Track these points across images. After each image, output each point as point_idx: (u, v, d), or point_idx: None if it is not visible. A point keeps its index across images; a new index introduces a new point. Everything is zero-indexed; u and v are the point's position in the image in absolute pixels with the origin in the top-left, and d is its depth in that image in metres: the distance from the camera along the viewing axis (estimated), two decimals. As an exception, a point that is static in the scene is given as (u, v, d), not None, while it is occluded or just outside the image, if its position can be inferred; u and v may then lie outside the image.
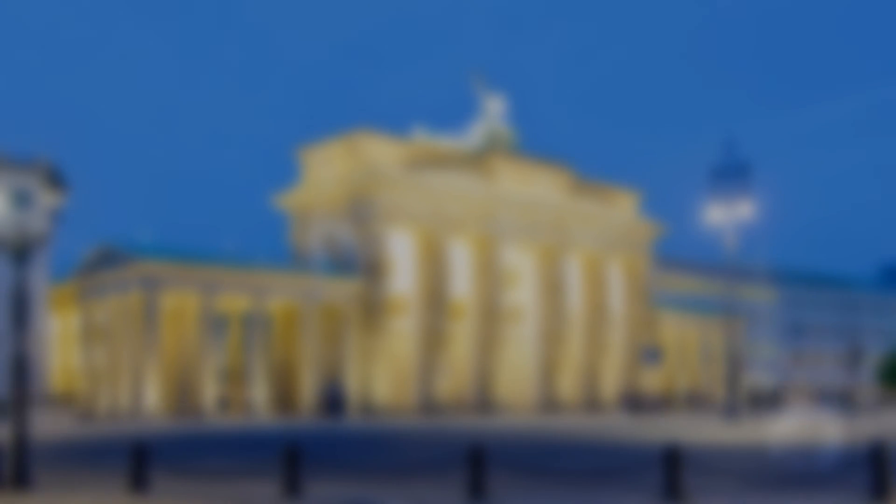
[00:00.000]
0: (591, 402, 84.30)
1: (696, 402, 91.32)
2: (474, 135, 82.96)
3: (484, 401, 76.60)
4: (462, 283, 78.34)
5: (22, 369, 19.40)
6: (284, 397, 71.57)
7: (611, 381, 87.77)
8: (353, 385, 70.84)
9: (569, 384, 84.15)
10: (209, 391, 66.25)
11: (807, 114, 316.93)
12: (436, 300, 75.28)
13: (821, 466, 21.08)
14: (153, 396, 63.35)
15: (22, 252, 19.47)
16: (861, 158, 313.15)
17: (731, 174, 50.09)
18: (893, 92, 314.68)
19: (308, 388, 70.10)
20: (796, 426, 39.59)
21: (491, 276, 78.69)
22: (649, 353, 73.51)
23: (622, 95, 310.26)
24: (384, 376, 71.76)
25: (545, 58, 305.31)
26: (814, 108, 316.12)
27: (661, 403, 79.74)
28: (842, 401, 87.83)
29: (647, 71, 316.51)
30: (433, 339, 75.01)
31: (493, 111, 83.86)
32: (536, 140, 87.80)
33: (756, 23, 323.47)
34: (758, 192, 51.23)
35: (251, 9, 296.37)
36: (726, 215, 49.89)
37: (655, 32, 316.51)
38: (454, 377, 77.17)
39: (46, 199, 20.41)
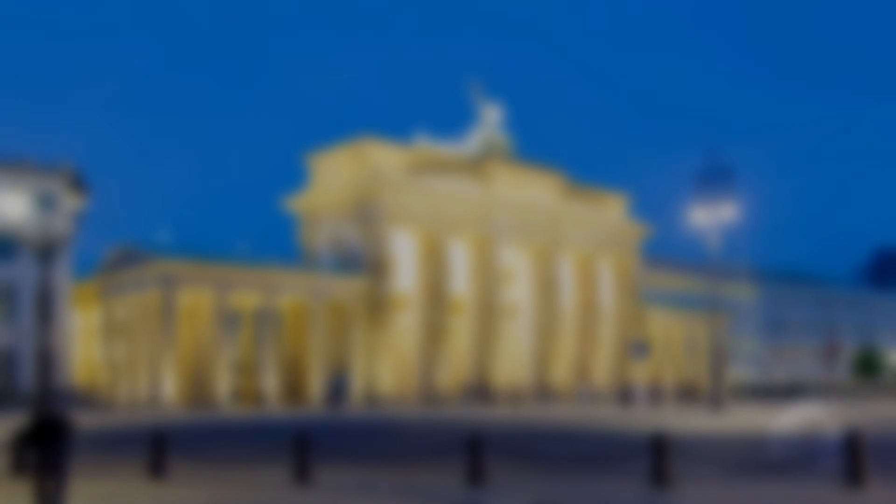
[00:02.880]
0: (583, 394, 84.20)
1: (684, 393, 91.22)
2: (473, 141, 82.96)
3: (482, 392, 76.57)
4: (461, 281, 78.33)
5: (46, 363, 19.41)
6: (294, 389, 71.55)
7: (601, 374, 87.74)
8: (358, 377, 70.83)
9: (562, 376, 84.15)
10: (223, 383, 66.23)
11: (789, 126, 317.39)
12: (436, 297, 75.26)
13: (821, 455, 20.95)
14: (170, 388, 63.31)
15: (46, 252, 19.48)
16: (838, 169, 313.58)
17: (714, 178, 50.03)
18: (869, 114, 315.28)
19: (316, 381, 70.06)
20: (800, 418, 39.48)
21: (488, 275, 78.66)
22: (637, 347, 73.39)
23: (615, 103, 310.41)
24: (388, 369, 71.75)
25: (543, 64, 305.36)
26: (797, 122, 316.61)
27: (656, 395, 79.52)
28: (822, 393, 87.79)
29: (641, 78, 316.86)
30: (434, 333, 74.99)
31: (491, 119, 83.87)
32: (532, 144, 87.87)
33: (747, 36, 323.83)
34: (740, 195, 51.15)
35: (265, 29, 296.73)
36: (710, 217, 49.81)
37: (650, 43, 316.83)
38: (454, 369, 77.16)
39: (69, 202, 20.43)
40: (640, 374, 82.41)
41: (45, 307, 19.74)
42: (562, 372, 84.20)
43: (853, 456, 15.00)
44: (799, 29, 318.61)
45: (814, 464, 19.06)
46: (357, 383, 70.37)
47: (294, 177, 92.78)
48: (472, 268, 79.19)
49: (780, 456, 21.56)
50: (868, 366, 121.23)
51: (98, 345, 73.14)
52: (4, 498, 15.00)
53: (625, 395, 76.59)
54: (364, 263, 72.63)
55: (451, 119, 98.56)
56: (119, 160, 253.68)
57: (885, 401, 75.99)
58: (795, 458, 21.03)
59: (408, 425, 38.89)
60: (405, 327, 74.50)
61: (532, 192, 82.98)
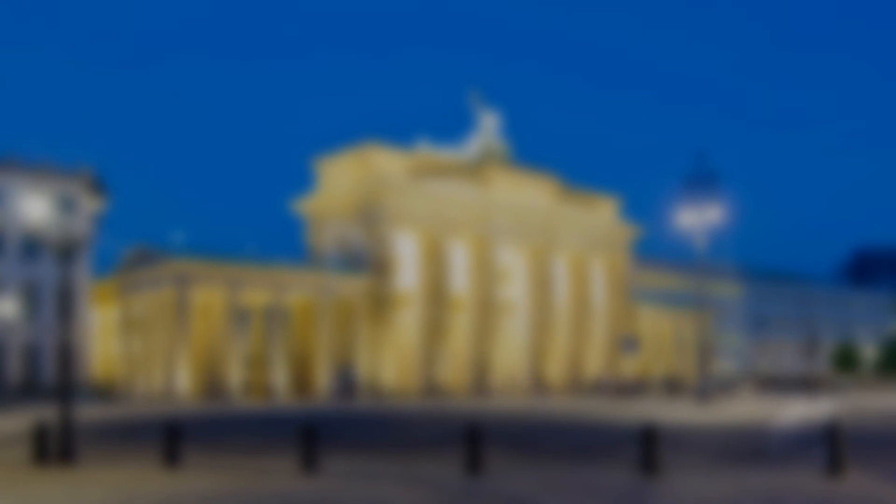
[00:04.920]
0: (576, 386, 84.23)
1: (670, 386, 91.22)
2: (471, 147, 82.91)
3: (480, 384, 76.54)
4: (461, 279, 78.29)
5: (67, 357, 19.40)
6: (302, 382, 71.52)
7: (593, 367, 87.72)
8: (362, 371, 70.78)
9: (556, 369, 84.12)
10: (234, 376, 66.20)
11: (774, 132, 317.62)
12: (437, 295, 75.22)
13: (813, 446, 20.88)
14: (184, 381, 63.29)
15: (66, 252, 19.45)
16: (819, 173, 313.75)
17: (701, 182, 49.93)
18: (851, 119, 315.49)
19: (323, 374, 70.04)
20: (802, 412, 39.39)
21: (486, 274, 78.62)
22: (628, 343, 73.44)
23: (608, 109, 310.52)
24: (391, 363, 71.70)
25: (539, 71, 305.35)
26: (781, 128, 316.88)
27: (638, 387, 79.53)
28: (803, 385, 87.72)
29: (633, 86, 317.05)
30: (435, 329, 74.94)
31: (489, 126, 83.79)
32: (527, 149, 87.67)
33: (734, 42, 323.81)
34: (725, 197, 51.05)
35: (275, 41, 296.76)
36: (697, 219, 49.75)
37: (641, 53, 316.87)
38: (453, 364, 77.11)
39: (89, 205, 20.50)
40: (631, 368, 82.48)
41: (66, 304, 19.76)
42: (556, 366, 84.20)
43: (833, 446, 15.00)
44: (784, 34, 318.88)
45: (804, 454, 19.00)
46: (361, 377, 70.32)
47: (301, 181, 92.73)
48: (471, 267, 79.15)
49: (779, 447, 21.46)
50: (846, 360, 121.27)
51: (116, 340, 73.14)
52: (27, 486, 14.98)
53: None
54: (368, 263, 72.59)
55: (450, 126, 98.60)
56: (138, 165, 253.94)
57: (862, 393, 75.99)
58: (791, 448, 20.97)
59: (410, 416, 38.83)
60: (407, 324, 74.47)
61: (528, 195, 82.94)
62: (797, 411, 40.14)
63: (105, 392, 67.06)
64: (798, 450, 20.37)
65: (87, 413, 38.88)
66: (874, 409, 42.98)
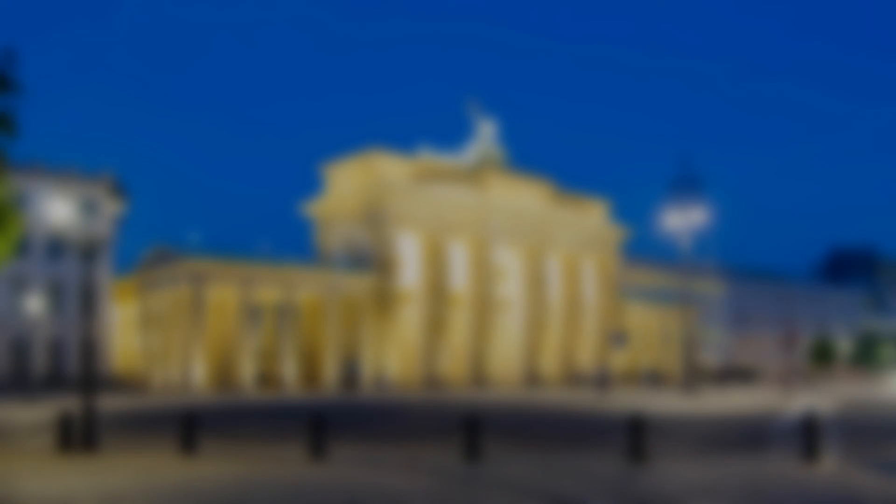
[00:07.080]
0: (568, 378, 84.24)
1: (656, 378, 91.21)
2: (470, 153, 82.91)
3: (478, 377, 76.53)
4: (460, 278, 78.29)
5: (89, 350, 19.43)
6: (310, 374, 71.52)
7: (585, 361, 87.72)
8: (367, 364, 70.77)
9: (549, 363, 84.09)
10: (247, 369, 66.20)
11: (758, 136, 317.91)
12: (438, 292, 75.22)
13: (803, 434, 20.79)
14: (199, 374, 63.28)
15: (89, 252, 19.49)
16: (798, 177, 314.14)
17: (686, 186, 49.84)
18: (831, 126, 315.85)
19: (330, 367, 70.04)
20: (808, 403, 39.31)
21: (484, 273, 78.62)
22: (617, 337, 73.29)
23: (600, 117, 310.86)
24: (394, 357, 71.70)
25: (535, 80, 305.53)
26: (765, 133, 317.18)
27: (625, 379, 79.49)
28: (784, 378, 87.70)
29: (625, 92, 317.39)
30: (435, 325, 74.94)
31: (486, 133, 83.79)
32: (523, 154, 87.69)
33: (719, 55, 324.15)
34: (709, 201, 50.96)
35: (283, 51, 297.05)
36: (682, 221, 49.72)
37: (634, 62, 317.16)
38: (453, 357, 77.09)
39: (110, 207, 20.57)
40: (619, 361, 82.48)
41: (89, 301, 19.81)
42: (549, 359, 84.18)
43: (809, 435, 15.05)
44: (761, 48, 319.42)
45: (790, 443, 19.01)
46: (366, 370, 70.32)
47: (310, 185, 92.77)
48: (470, 266, 79.16)
49: (779, 436, 21.42)
50: (822, 353, 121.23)
51: (135, 335, 73.14)
52: (53, 472, 15.01)
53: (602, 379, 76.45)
54: (373, 262, 72.60)
55: (450, 133, 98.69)
56: (157, 170, 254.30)
57: (840, 384, 76.01)
58: (787, 438, 20.95)
59: (412, 407, 38.83)
60: (410, 319, 74.47)
61: (523, 198, 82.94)
62: (803, 404, 40.10)
63: (125, 384, 67.01)
64: (790, 439, 20.42)
65: (109, 403, 38.85)
66: (859, 401, 42.97)
